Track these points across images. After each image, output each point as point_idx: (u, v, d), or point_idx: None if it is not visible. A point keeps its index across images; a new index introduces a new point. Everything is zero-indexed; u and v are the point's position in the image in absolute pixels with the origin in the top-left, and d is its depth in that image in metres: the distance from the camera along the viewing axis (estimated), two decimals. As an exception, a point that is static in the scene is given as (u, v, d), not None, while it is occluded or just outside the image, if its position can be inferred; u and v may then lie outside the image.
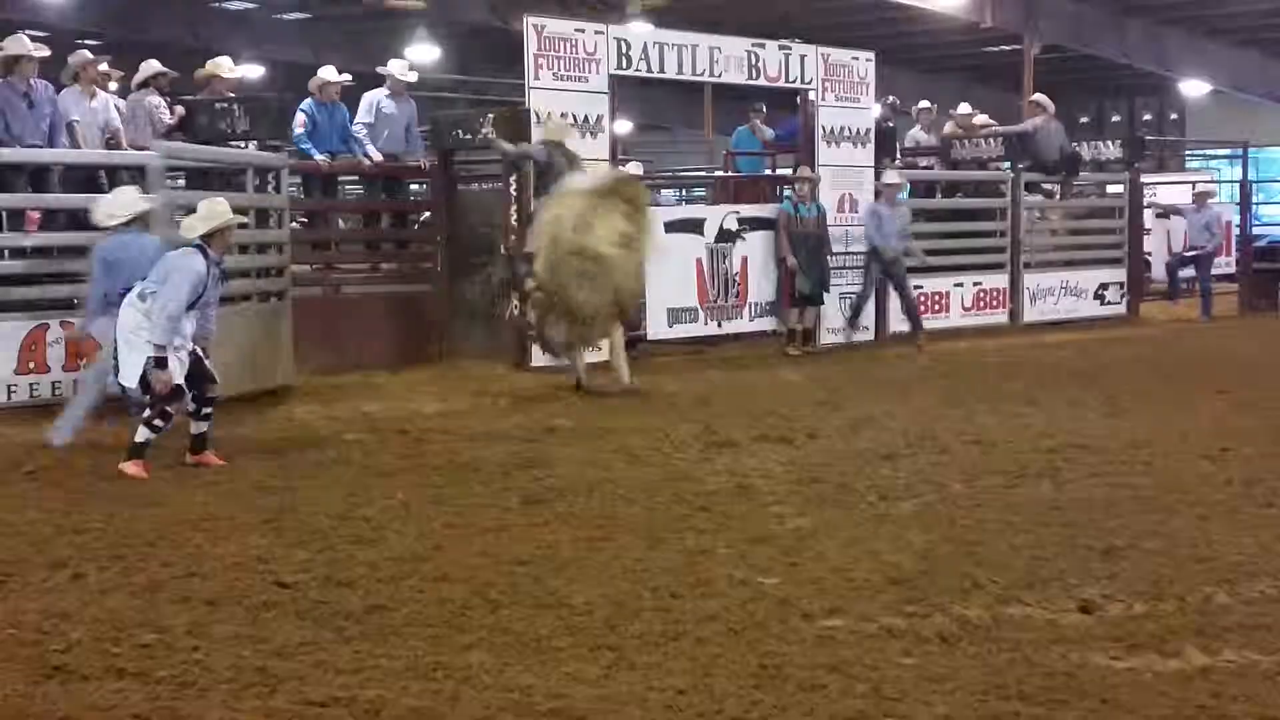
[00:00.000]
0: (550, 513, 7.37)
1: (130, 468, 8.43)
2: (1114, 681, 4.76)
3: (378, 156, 14.22)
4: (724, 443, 9.33)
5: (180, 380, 8.57)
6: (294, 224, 13.74)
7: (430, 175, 14.79)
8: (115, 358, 8.66)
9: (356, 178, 15.42)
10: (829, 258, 15.62)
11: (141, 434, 8.51)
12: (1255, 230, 22.69)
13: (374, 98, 14.38)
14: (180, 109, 12.94)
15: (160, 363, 8.44)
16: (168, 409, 8.54)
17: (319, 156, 13.82)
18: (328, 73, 14.28)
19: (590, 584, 5.95)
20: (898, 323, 16.52)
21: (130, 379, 8.57)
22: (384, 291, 14.46)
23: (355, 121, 14.29)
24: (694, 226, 15.07)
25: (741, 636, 5.25)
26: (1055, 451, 8.96)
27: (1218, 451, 8.94)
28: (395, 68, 14.65)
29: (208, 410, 8.77)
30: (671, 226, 14.75)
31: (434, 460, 8.90)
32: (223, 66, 13.58)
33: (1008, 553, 6.42)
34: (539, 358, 13.11)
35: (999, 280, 18.04)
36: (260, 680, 4.83)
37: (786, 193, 15.86)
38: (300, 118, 13.80)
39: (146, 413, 8.56)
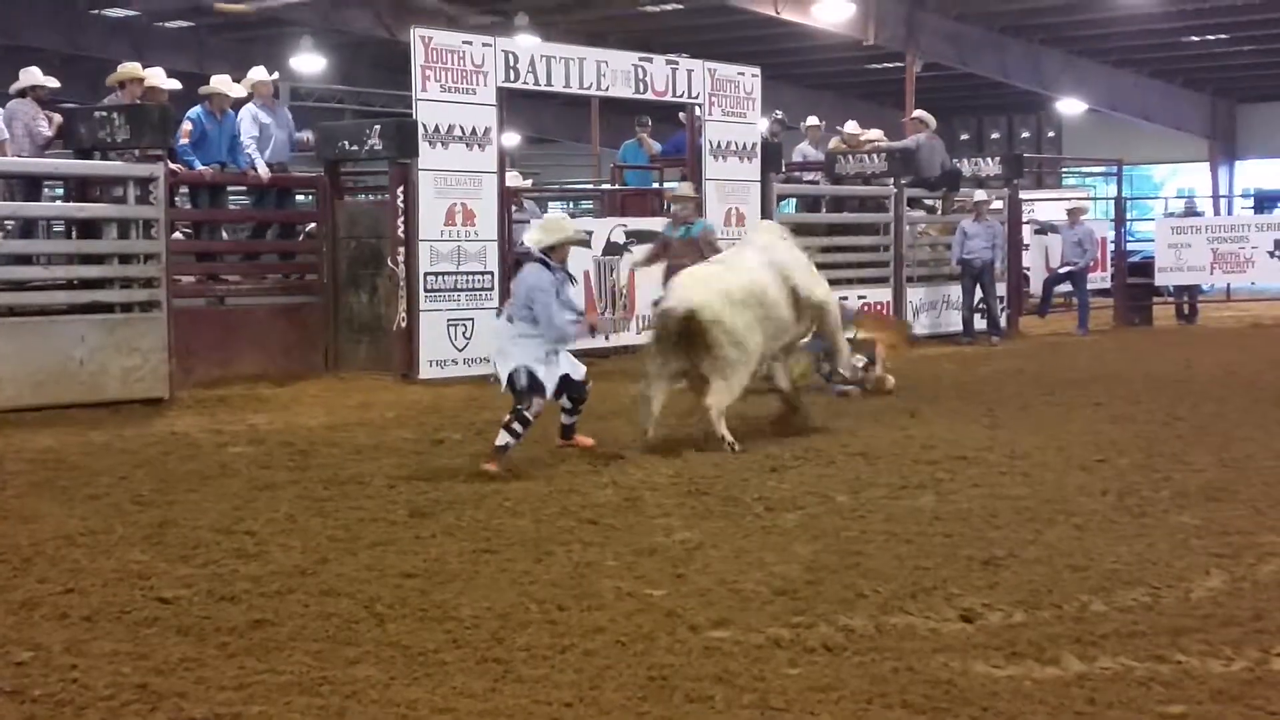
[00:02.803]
0: (437, 525, 7.34)
1: (491, 466, 8.84)
2: (994, 689, 4.84)
3: (266, 172, 14.03)
4: (611, 455, 9.35)
5: (551, 384, 9.12)
6: (178, 234, 13.56)
7: (317, 186, 14.66)
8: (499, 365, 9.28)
9: (244, 188, 15.19)
10: None
11: (502, 438, 8.95)
12: (1129, 246, 23.24)
13: (251, 111, 14.17)
14: (58, 118, 12.70)
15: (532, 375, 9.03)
16: (527, 414, 8.97)
17: (200, 167, 13.61)
18: (221, 82, 14.04)
19: (477, 597, 5.94)
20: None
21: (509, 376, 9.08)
22: (269, 303, 14.29)
23: (244, 135, 14.08)
24: (582, 240, 15.07)
25: (629, 648, 5.26)
26: (937, 463, 9.09)
27: (1093, 462, 9.13)
28: (255, 74, 14.45)
29: (581, 406, 9.47)
30: None
31: (320, 473, 8.81)
32: (136, 70, 13.36)
33: (891, 563, 6.50)
34: (428, 370, 13.11)
35: (883, 294, 18.30)
36: (140, 698, 4.76)
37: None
38: (186, 126, 13.58)
39: (507, 417, 9.00)
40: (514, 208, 15.80)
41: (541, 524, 7.39)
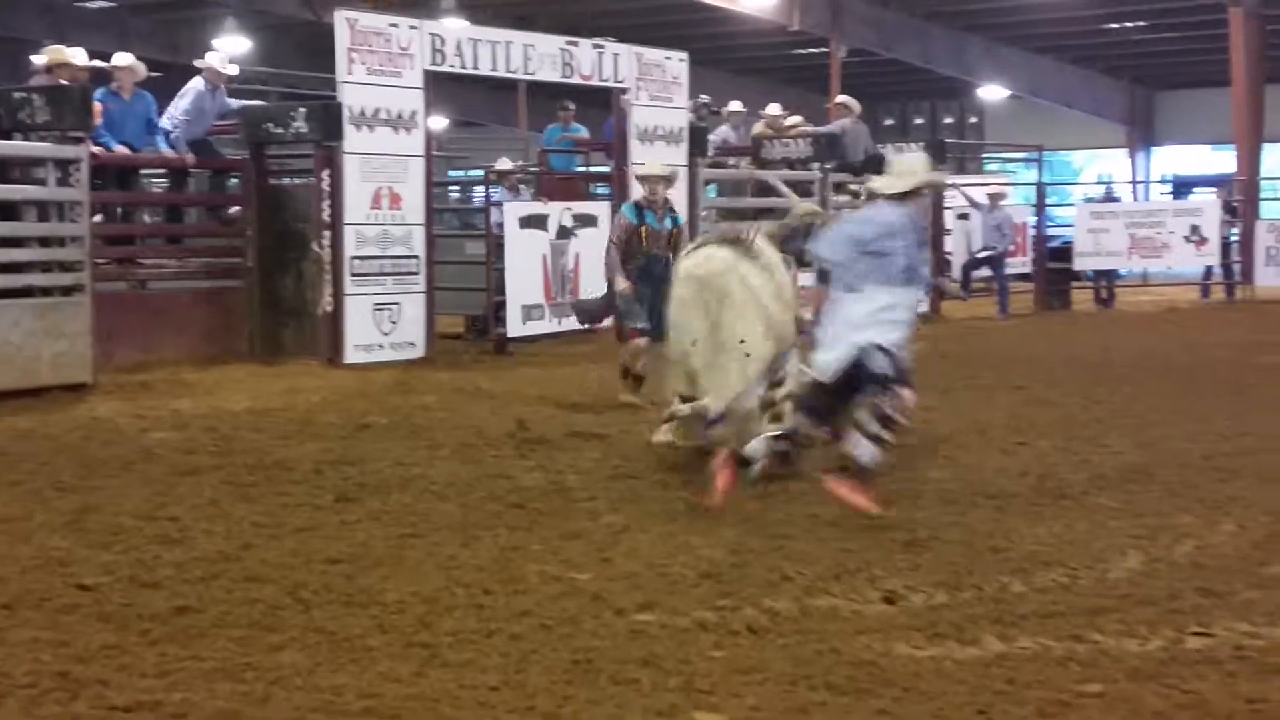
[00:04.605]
0: (363, 510, 7.32)
1: (860, 500, 7.01)
2: (916, 669, 4.91)
3: (190, 157, 13.92)
4: (538, 439, 9.35)
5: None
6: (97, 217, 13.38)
7: (241, 169, 14.55)
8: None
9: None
10: None
11: (864, 452, 7.11)
12: (1049, 231, 23.51)
13: (198, 88, 14.05)
14: None
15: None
16: (890, 412, 7.13)
17: (116, 148, 13.44)
18: (119, 59, 13.87)
19: (403, 582, 5.93)
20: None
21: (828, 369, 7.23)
22: (192, 287, 14.18)
23: (175, 114, 13.94)
24: (540, 223, 15.13)
25: (554, 632, 5.28)
26: (860, 446, 9.15)
27: (1014, 445, 9.25)
28: (215, 60, 14.32)
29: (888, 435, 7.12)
30: (526, 223, 14.84)
31: (244, 458, 8.74)
32: (65, 54, 13.17)
33: (815, 546, 6.56)
34: (354, 354, 13.08)
35: (808, 279, 18.35)
36: (61, 685, 4.71)
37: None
38: (97, 108, 13.41)
39: (866, 421, 7.13)
40: (510, 193, 15.69)
41: (468, 509, 7.39)
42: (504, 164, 15.85)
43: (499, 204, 15.58)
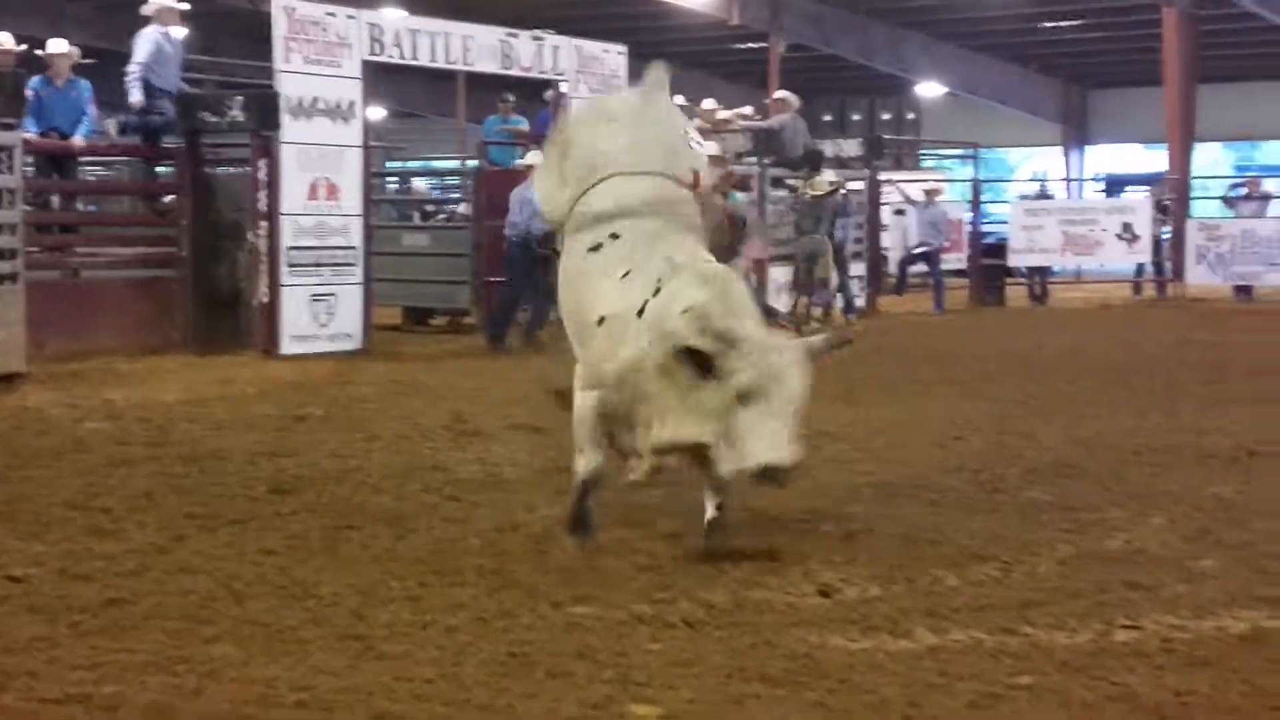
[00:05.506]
0: (298, 502, 7.27)
1: None
2: (850, 662, 4.93)
3: (140, 99, 13.78)
4: (474, 431, 9.34)
5: None
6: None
7: (176, 157, 14.42)
8: None
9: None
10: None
11: None
12: (984, 227, 23.72)
13: (153, 36, 13.90)
14: None
15: None
16: None
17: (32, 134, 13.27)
18: (53, 45, 13.70)
19: (338, 574, 5.90)
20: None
21: None
22: (126, 276, 14.04)
23: (133, 62, 13.81)
24: None
25: (490, 625, 5.27)
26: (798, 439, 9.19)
27: (949, 440, 9.32)
28: None
29: None
30: None
31: (178, 449, 8.67)
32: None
33: (751, 539, 6.55)
34: (290, 345, 12.98)
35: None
36: (-11, 678, 4.66)
37: None
38: (28, 94, 13.25)
39: None
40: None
41: (404, 500, 7.36)
42: (535, 158, 15.40)
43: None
